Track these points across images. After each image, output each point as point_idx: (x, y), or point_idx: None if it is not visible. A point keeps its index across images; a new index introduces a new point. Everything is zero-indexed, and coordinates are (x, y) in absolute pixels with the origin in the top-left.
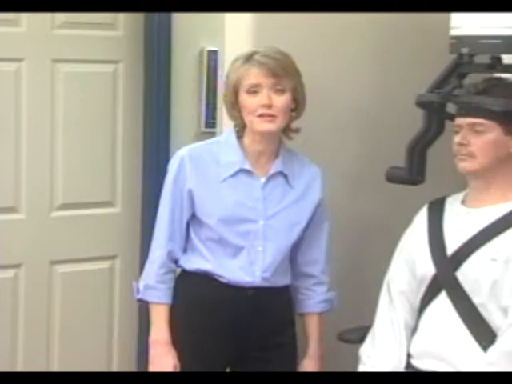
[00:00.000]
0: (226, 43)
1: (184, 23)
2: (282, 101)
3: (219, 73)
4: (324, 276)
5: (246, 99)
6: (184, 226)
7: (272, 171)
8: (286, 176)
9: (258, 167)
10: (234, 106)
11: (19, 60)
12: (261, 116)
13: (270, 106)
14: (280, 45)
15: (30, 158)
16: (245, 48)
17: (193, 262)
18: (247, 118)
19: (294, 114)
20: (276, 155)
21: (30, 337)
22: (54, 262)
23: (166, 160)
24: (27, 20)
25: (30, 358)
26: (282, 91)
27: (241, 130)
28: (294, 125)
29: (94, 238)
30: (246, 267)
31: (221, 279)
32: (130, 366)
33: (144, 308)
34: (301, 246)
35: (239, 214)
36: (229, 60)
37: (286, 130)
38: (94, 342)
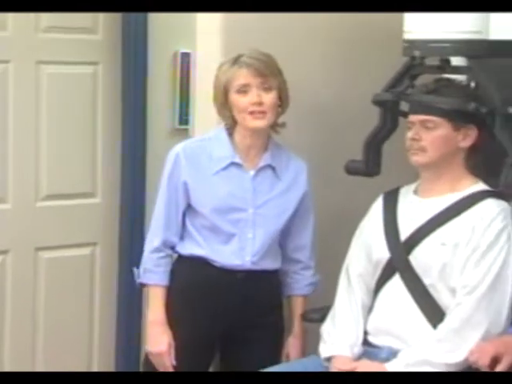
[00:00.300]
0: (198, 46)
1: (159, 27)
2: (270, 98)
3: (192, 73)
4: (310, 261)
5: (236, 99)
6: (180, 215)
7: (261, 164)
8: (273, 168)
9: (248, 160)
10: (225, 106)
11: (5, 62)
12: (252, 113)
13: (260, 104)
14: (248, 46)
15: (16, 152)
16: (215, 50)
17: (188, 248)
18: (239, 116)
19: (280, 109)
20: (265, 149)
21: (17, 318)
22: (38, 249)
23: (143, 154)
24: (13, 24)
25: (16, 338)
26: (269, 89)
27: (231, 127)
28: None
29: (76, 227)
30: (236, 252)
31: (214, 263)
32: (110, 345)
33: (122, 291)
34: (290, 233)
35: (230, 203)
36: (200, 61)
37: (273, 125)
38: (76, 322)
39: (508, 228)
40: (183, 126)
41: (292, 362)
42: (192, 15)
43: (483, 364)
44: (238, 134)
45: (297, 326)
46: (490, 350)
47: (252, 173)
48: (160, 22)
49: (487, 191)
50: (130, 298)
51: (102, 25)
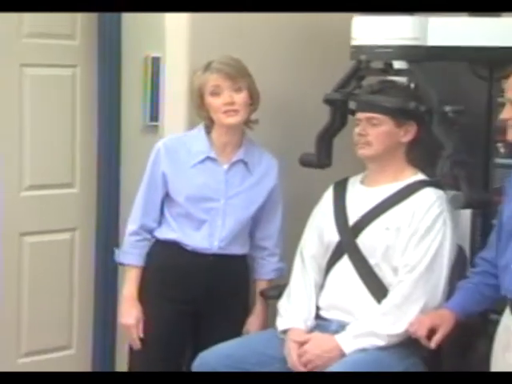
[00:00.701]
0: (167, 51)
1: (132, 34)
2: (241, 97)
3: (161, 75)
4: (276, 249)
5: (211, 100)
6: (158, 203)
7: (234, 159)
8: (246, 163)
9: (223, 155)
10: (202, 108)
11: None
12: (226, 112)
13: (232, 103)
14: (213, 49)
15: (1, 147)
16: (182, 54)
17: (164, 233)
18: (215, 116)
19: (252, 107)
20: (239, 146)
21: (3, 296)
22: (23, 234)
23: (117, 148)
24: None
25: (2, 313)
26: (239, 90)
27: (209, 126)
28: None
29: (57, 214)
30: (206, 237)
31: (186, 247)
32: (89, 319)
33: (99, 271)
34: (258, 223)
35: (204, 193)
36: (169, 64)
37: (247, 122)
38: (57, 299)
39: (443, 214)
40: (153, 123)
41: (251, 334)
42: (161, 22)
43: (421, 335)
44: (215, 132)
45: (257, 305)
46: (427, 322)
47: (226, 166)
48: (133, 29)
49: (425, 181)
50: (106, 278)
51: (79, 31)
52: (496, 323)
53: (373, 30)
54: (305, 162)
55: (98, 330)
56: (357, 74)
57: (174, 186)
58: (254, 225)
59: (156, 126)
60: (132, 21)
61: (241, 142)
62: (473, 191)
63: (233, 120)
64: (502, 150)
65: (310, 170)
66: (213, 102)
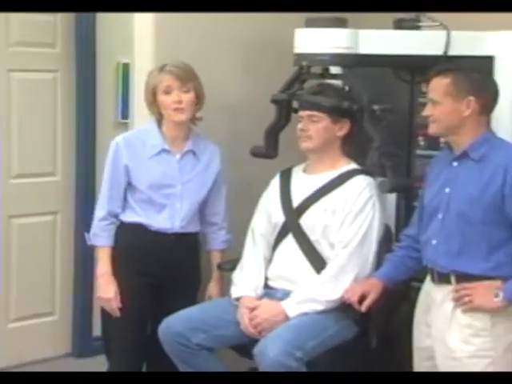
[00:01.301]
0: (136, 58)
1: (105, 43)
2: (188, 97)
3: (130, 79)
4: (224, 223)
5: (163, 98)
6: (122, 191)
7: (185, 149)
8: (194, 153)
9: (175, 147)
10: (154, 104)
11: None
12: (175, 110)
13: (180, 102)
14: (174, 57)
15: None
16: (148, 60)
17: (129, 217)
18: (165, 112)
19: (197, 106)
20: (187, 138)
21: None
22: (11, 217)
23: (93, 142)
24: None
25: None
26: (187, 91)
27: (159, 120)
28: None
29: (41, 199)
30: (167, 219)
31: (150, 228)
32: (69, 292)
33: (78, 250)
34: (207, 202)
35: (163, 181)
36: (138, 69)
37: (192, 119)
38: (41, 275)
39: (373, 198)
40: (124, 120)
41: (209, 301)
42: (131, 33)
43: (354, 300)
44: (165, 127)
45: (215, 273)
46: (359, 289)
47: (178, 156)
48: (106, 39)
49: (357, 169)
50: (84, 254)
51: (59, 40)
52: (418, 290)
53: (313, 40)
54: (255, 153)
55: (78, 299)
56: (299, 77)
57: (136, 176)
58: (203, 204)
59: (126, 123)
60: (105, 31)
61: (188, 135)
62: (397, 178)
63: (180, 117)
64: (421, 143)
65: (259, 160)
66: (164, 99)
